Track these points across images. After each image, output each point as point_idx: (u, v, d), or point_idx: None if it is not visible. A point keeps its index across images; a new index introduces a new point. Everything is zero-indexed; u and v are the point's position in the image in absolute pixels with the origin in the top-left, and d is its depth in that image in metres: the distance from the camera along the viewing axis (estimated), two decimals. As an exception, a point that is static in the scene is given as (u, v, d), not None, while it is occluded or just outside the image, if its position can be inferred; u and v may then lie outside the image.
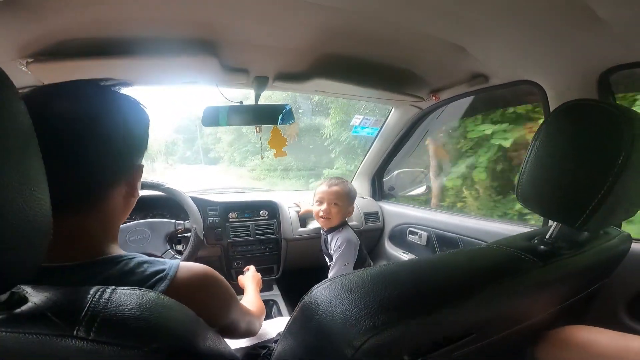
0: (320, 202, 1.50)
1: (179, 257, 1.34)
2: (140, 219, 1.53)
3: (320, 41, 1.01)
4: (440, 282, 0.49)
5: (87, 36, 0.87)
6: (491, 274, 0.53)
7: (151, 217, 1.59)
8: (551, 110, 1.02)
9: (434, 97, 1.40)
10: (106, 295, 0.38)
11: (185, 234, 1.41)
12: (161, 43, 0.93)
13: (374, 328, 0.39)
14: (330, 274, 1.48)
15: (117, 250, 0.55)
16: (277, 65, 1.17)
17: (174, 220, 1.37)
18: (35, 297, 0.36)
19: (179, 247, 1.48)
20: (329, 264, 1.58)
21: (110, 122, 0.52)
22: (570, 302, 0.71)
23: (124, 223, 1.38)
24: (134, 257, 0.53)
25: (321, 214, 1.49)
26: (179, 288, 0.51)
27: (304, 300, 0.46)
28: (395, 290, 0.45)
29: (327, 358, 0.42)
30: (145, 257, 0.54)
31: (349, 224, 1.59)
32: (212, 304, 0.58)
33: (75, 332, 0.33)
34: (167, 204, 1.58)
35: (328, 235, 1.55)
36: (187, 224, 1.36)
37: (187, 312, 0.46)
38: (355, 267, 1.48)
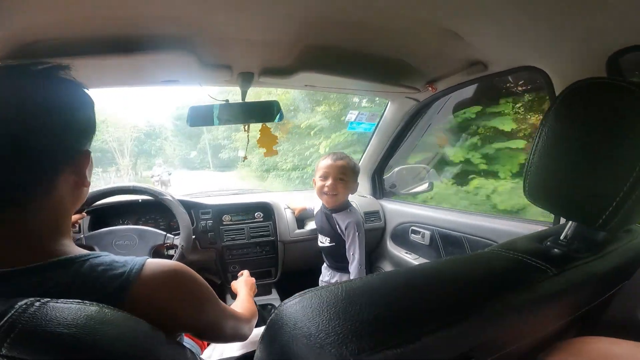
0: (325, 177, 1.40)
1: None
2: (132, 223, 1.50)
3: (305, 32, 0.95)
4: (430, 300, 0.42)
5: (53, 37, 0.83)
6: (493, 286, 0.45)
7: (143, 222, 1.56)
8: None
9: (430, 88, 1.31)
10: (33, 308, 0.34)
11: (171, 251, 1.37)
12: (132, 40, 0.87)
13: (341, 359, 0.32)
14: (352, 255, 1.42)
15: (70, 247, 0.50)
16: (262, 60, 1.11)
17: (164, 233, 1.32)
18: None
19: (171, 252, 1.44)
20: (327, 244, 1.51)
21: (42, 106, 0.47)
22: (585, 309, 0.63)
23: (116, 225, 1.38)
24: (88, 258, 0.48)
25: (325, 189, 1.39)
26: (144, 290, 0.47)
27: (271, 316, 0.41)
28: (371, 312, 0.38)
29: None
30: (102, 258, 0.49)
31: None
32: (182, 304, 0.53)
33: None
34: (160, 210, 1.54)
35: (334, 215, 1.46)
36: (176, 240, 1.32)
37: (137, 327, 0.41)
38: None
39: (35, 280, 0.43)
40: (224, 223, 1.64)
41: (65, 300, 0.36)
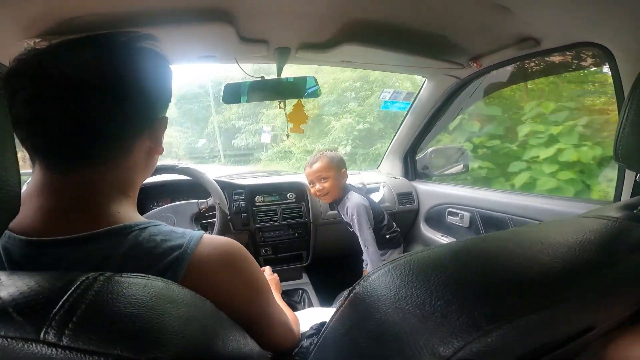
0: (312, 183, 1.53)
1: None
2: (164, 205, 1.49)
3: (346, 5, 0.90)
4: (556, 261, 0.36)
5: (92, 12, 0.81)
6: (612, 252, 0.41)
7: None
8: (622, 77, 0.89)
9: (475, 64, 1.24)
10: (98, 285, 0.30)
11: (211, 213, 1.35)
12: (172, 13, 0.85)
13: (475, 328, 0.27)
14: (362, 242, 1.46)
15: (131, 214, 0.50)
16: (300, 35, 1.07)
17: (196, 200, 1.30)
18: (5, 288, 0.29)
19: (211, 214, 1.41)
20: (351, 230, 1.56)
21: (134, 72, 0.49)
22: None
23: (149, 208, 1.37)
24: (146, 226, 0.46)
25: (318, 193, 1.51)
26: (200, 266, 0.45)
27: (355, 290, 0.35)
28: (496, 274, 0.33)
29: None
30: (161, 227, 0.48)
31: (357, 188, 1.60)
32: (236, 285, 0.50)
33: (42, 334, 0.25)
34: (188, 188, 1.52)
35: (337, 207, 1.57)
36: (209, 201, 1.29)
37: (204, 307, 0.38)
38: (377, 226, 1.50)
39: (90, 248, 0.42)
40: (257, 204, 1.62)
41: (128, 274, 0.33)
